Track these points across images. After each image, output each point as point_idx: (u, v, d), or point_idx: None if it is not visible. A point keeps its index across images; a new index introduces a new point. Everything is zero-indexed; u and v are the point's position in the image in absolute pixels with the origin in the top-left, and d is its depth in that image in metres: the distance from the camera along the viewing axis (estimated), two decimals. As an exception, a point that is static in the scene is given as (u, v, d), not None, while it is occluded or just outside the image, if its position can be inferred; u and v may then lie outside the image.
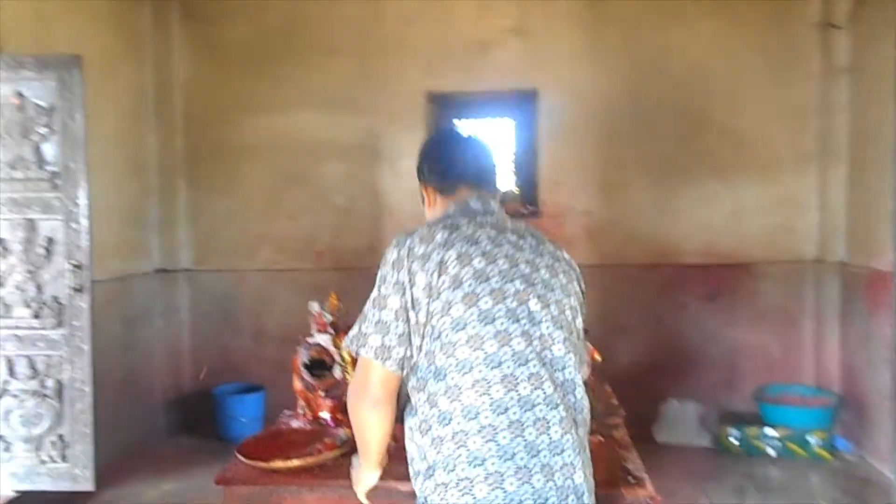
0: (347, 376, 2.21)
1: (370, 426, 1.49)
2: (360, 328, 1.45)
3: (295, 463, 1.87)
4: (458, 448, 1.31)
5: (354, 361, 2.24)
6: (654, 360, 4.40)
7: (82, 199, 3.08)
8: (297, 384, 2.28)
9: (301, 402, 2.31)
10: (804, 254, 4.30)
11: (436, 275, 1.37)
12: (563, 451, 1.34)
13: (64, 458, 3.13)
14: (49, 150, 3.09)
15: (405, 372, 1.43)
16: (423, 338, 1.38)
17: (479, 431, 1.30)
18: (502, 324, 1.36)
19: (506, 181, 4.71)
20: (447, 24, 4.44)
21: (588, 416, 1.49)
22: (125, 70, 4.26)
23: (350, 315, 2.49)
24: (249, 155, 4.58)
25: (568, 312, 1.48)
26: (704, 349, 4.37)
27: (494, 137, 4.80)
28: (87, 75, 3.11)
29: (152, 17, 4.47)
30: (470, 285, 1.37)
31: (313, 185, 4.55)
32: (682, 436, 4.24)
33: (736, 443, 4.01)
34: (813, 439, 3.89)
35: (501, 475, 1.28)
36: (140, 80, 4.40)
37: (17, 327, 3.07)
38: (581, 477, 1.35)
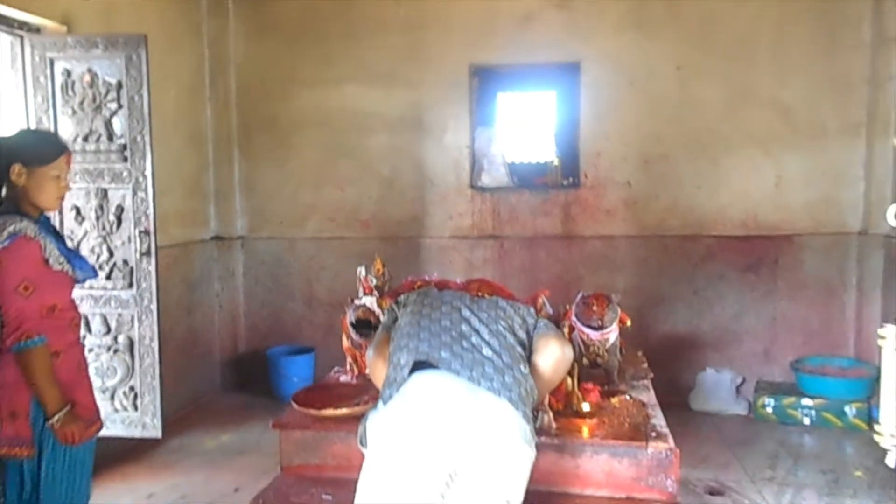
0: (391, 335, 2.39)
1: None
2: None
3: (343, 411, 2.06)
4: None
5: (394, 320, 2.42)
6: (692, 331, 4.47)
7: (148, 170, 3.31)
8: (346, 342, 2.48)
9: (349, 359, 2.51)
10: (848, 226, 4.28)
11: None
12: None
13: (135, 408, 3.42)
14: (118, 123, 3.32)
15: None
16: None
17: None
18: None
19: (548, 152, 4.79)
20: (491, -3, 4.51)
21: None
22: (184, 48, 4.48)
23: (393, 279, 2.67)
24: (299, 128, 4.78)
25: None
26: (743, 320, 4.42)
27: (537, 109, 4.88)
28: (150, 53, 3.32)
29: (209, -4, 4.67)
30: None
31: (360, 156, 4.72)
32: (718, 404, 4.33)
33: (771, 411, 4.08)
34: (850, 409, 3.93)
35: None
36: (198, 57, 4.62)
37: (92, 287, 3.35)
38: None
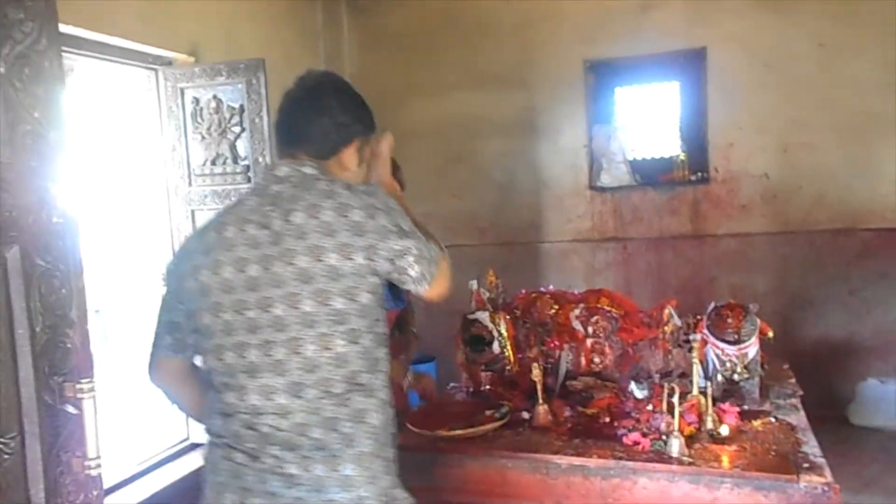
0: (506, 350, 2.29)
1: None
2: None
3: (457, 433, 1.98)
4: None
5: (513, 336, 2.33)
6: (848, 336, 4.00)
7: (270, 190, 3.43)
8: (460, 358, 2.41)
9: (464, 375, 2.44)
10: None
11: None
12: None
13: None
14: (241, 146, 3.47)
15: None
16: None
17: None
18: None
19: (672, 147, 4.50)
20: (604, -12, 4.29)
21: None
22: (302, 65, 4.56)
23: (508, 292, 2.57)
24: (414, 137, 4.79)
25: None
26: (910, 323, 3.90)
27: (659, 101, 4.59)
28: (269, 75, 3.44)
29: (324, 14, 4.80)
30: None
31: (474, 162, 4.66)
32: (884, 419, 3.84)
33: (950, 429, 3.56)
34: None
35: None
36: (315, 74, 4.77)
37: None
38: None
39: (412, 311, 2.43)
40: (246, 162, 3.46)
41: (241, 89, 3.43)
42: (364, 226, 1.25)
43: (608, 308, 2.30)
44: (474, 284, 2.41)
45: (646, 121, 4.63)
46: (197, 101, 3.51)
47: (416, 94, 4.75)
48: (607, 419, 2.04)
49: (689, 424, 1.96)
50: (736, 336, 2.08)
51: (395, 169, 2.18)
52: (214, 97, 3.48)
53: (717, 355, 2.14)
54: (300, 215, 1.26)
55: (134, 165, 3.58)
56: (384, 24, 4.80)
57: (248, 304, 1.25)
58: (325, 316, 1.23)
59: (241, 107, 3.45)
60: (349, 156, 1.49)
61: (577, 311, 2.34)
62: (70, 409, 0.94)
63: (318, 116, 1.45)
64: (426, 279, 1.35)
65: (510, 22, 4.48)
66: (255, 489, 1.21)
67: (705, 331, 2.14)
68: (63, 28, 2.87)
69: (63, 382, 0.94)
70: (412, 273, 1.32)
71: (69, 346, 0.95)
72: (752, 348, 2.13)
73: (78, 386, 0.94)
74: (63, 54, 2.55)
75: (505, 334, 2.27)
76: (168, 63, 3.57)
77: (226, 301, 1.26)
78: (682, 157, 4.34)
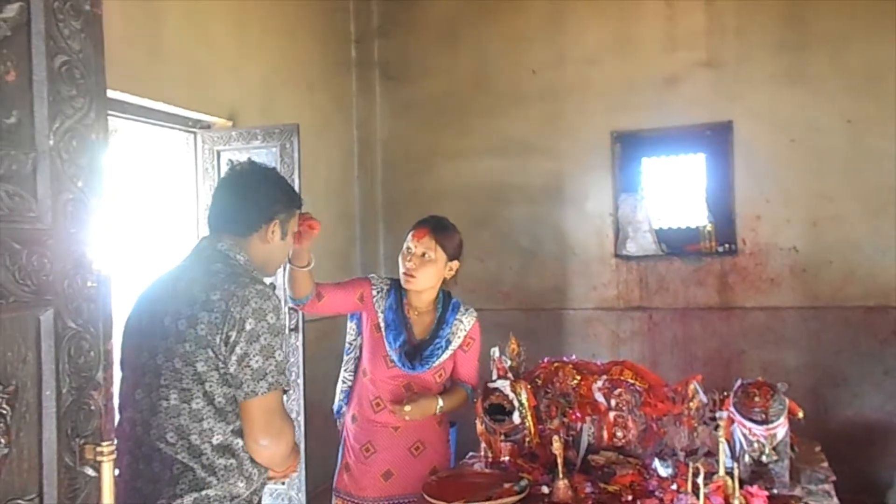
0: (527, 421, 2.26)
1: None
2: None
3: (474, 506, 1.94)
4: None
5: (534, 406, 2.29)
6: (885, 418, 3.86)
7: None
8: (479, 427, 2.37)
9: (483, 445, 2.40)
10: None
11: None
12: None
13: (282, 482, 3.51)
14: (273, 207, 3.56)
15: None
16: None
17: None
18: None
19: (698, 217, 4.49)
20: (632, 61, 4.40)
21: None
22: (335, 130, 4.79)
23: (530, 359, 2.55)
24: (440, 201, 4.86)
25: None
26: (950, 406, 3.75)
27: (685, 172, 4.62)
28: (303, 139, 3.55)
29: (357, 81, 4.99)
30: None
31: (499, 227, 4.70)
32: (924, 506, 3.66)
33: None
34: None
35: None
36: (347, 138, 4.91)
37: (246, 361, 3.54)
38: None
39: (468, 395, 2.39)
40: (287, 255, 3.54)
41: (275, 153, 3.55)
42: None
43: (631, 381, 2.27)
44: (496, 352, 2.39)
45: (672, 191, 4.65)
46: (231, 162, 3.63)
47: (443, 159, 4.85)
48: (630, 497, 1.98)
49: (715, 508, 1.89)
50: (764, 415, 2.02)
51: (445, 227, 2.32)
52: (249, 160, 3.59)
53: (745, 435, 2.07)
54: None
55: (170, 222, 3.69)
56: (414, 92, 4.95)
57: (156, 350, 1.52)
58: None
59: (275, 169, 3.55)
60: (270, 231, 1.69)
61: (599, 383, 2.30)
62: (89, 471, 0.95)
63: (240, 199, 1.67)
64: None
65: (537, 91, 4.59)
66: None
67: (732, 409, 2.08)
68: (110, 93, 3.03)
69: (84, 444, 0.95)
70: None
71: (93, 408, 0.97)
72: (780, 429, 2.07)
73: (98, 448, 0.95)
74: (108, 117, 2.67)
75: (526, 404, 2.24)
76: (207, 126, 3.71)
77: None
78: (709, 227, 4.33)
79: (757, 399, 2.04)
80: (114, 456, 0.96)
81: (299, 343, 3.47)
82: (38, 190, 0.91)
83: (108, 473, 0.95)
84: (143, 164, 3.73)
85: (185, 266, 1.65)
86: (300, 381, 3.47)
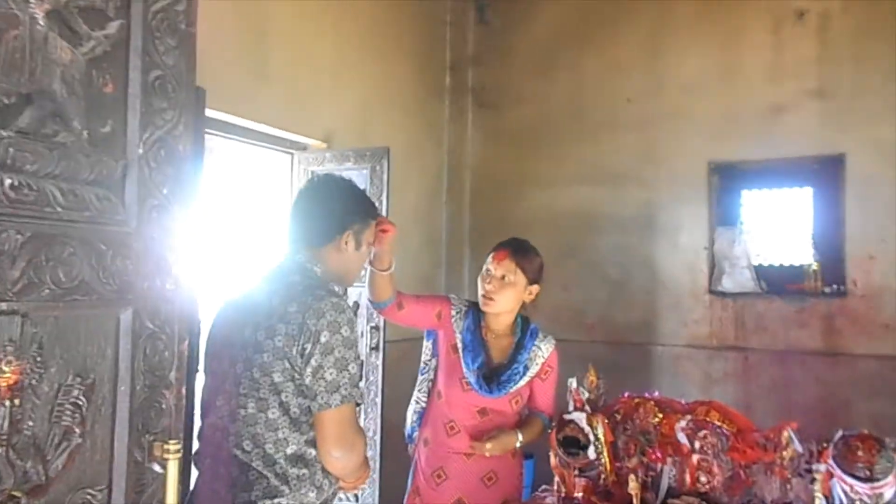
0: (602, 457, 2.16)
1: None
2: None
3: (541, 541, 1.87)
4: None
5: (611, 442, 2.20)
6: None
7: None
8: (553, 460, 2.30)
9: (556, 479, 2.32)
10: None
11: None
12: None
13: (356, 499, 3.53)
14: (361, 227, 3.65)
15: None
16: None
17: None
18: None
19: (803, 255, 4.21)
20: (734, 90, 4.22)
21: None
22: (426, 155, 4.87)
23: (611, 395, 2.45)
24: (527, 228, 4.77)
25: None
26: None
27: (790, 207, 4.35)
28: (394, 161, 3.63)
29: (450, 107, 5.06)
30: None
31: (587, 257, 4.59)
32: None
33: None
34: None
35: None
36: (438, 163, 4.98)
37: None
38: None
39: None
40: (370, 257, 3.62)
41: (366, 174, 3.64)
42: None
43: (718, 423, 2.13)
44: (573, 383, 2.32)
45: (774, 226, 4.39)
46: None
47: (533, 187, 4.81)
48: (711, 548, 1.85)
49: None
50: (868, 472, 1.84)
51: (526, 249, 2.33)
52: (326, 173, 3.70)
53: (846, 492, 1.89)
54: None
55: (265, 239, 3.85)
56: (507, 119, 4.96)
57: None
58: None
59: (365, 190, 3.64)
60: (344, 242, 1.72)
61: (683, 423, 2.17)
62: (157, 468, 0.99)
63: (314, 210, 1.74)
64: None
65: (633, 119, 4.49)
66: None
67: (831, 461, 1.91)
68: (217, 114, 3.22)
69: (153, 441, 0.99)
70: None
71: (164, 406, 1.01)
72: (888, 489, 1.87)
73: (165, 446, 0.98)
74: (208, 135, 2.81)
75: (602, 439, 2.15)
76: (303, 148, 3.86)
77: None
78: (815, 266, 4.05)
79: (860, 453, 1.86)
80: (179, 454, 0.99)
81: (379, 362, 3.51)
82: (126, 195, 0.96)
83: (174, 471, 0.98)
84: (243, 182, 3.93)
85: (266, 278, 1.70)
86: (378, 399, 3.49)
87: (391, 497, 4.06)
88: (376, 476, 3.49)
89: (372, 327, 3.52)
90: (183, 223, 1.05)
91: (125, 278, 0.96)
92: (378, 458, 3.48)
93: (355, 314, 3.58)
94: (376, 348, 3.52)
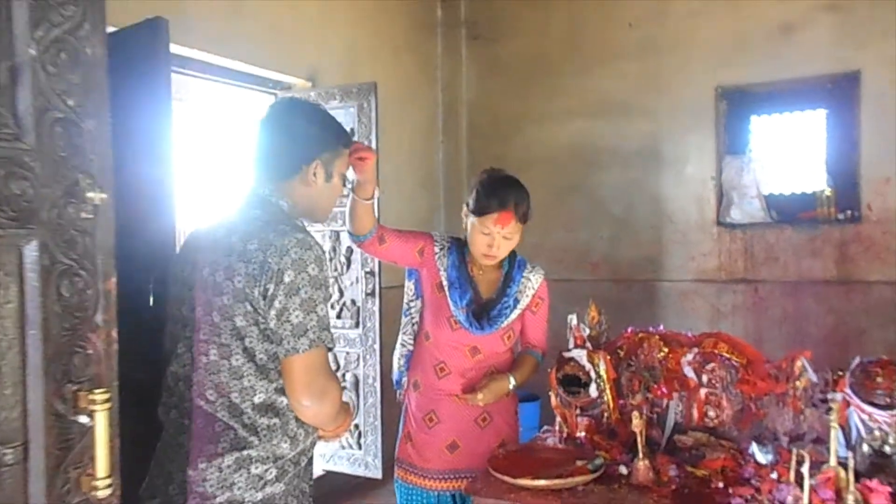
0: (605, 395, 2.05)
1: None
2: None
3: (541, 483, 1.77)
4: None
5: (614, 379, 2.08)
6: None
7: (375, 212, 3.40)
8: (554, 400, 2.19)
9: (558, 419, 2.22)
10: None
11: None
12: None
13: (359, 447, 3.48)
14: (350, 170, 3.48)
15: None
16: None
17: None
18: None
19: (816, 181, 4.02)
20: (741, 9, 3.96)
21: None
22: (420, 93, 4.65)
23: (614, 331, 2.32)
24: (527, 166, 4.62)
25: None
26: None
27: (802, 131, 4.14)
28: (383, 100, 3.44)
29: (443, 42, 4.82)
30: None
31: (590, 194, 4.42)
32: None
33: None
34: None
35: None
36: (432, 101, 4.77)
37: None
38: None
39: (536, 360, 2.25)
40: (353, 185, 3.46)
41: (353, 113, 3.46)
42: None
43: (727, 355, 2.00)
44: (573, 319, 2.19)
45: (785, 152, 4.19)
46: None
47: (532, 122, 4.61)
48: (720, 484, 1.75)
49: (824, 502, 1.62)
50: (888, 399, 1.72)
51: (523, 199, 2.06)
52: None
53: (864, 421, 1.78)
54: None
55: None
56: (502, 53, 4.72)
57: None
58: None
59: (352, 130, 3.46)
60: (312, 173, 1.55)
61: (689, 357, 2.05)
62: (84, 419, 0.87)
63: (277, 138, 1.55)
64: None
65: (634, 46, 4.25)
66: None
67: (848, 390, 1.79)
68: (189, 52, 3.03)
69: (77, 391, 0.86)
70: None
71: (90, 352, 0.88)
72: (908, 416, 1.75)
73: (91, 396, 0.86)
74: (176, 76, 2.60)
75: (604, 376, 2.03)
76: (287, 88, 3.67)
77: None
78: (828, 192, 3.86)
79: (880, 380, 1.74)
80: (108, 405, 0.87)
81: (375, 308, 3.40)
82: (19, 105, 0.81)
83: (103, 423, 0.86)
84: (221, 129, 3.75)
85: (228, 214, 1.56)
86: (377, 346, 3.40)
87: (395, 444, 4.01)
88: (378, 424, 3.42)
89: (367, 272, 3.40)
90: (99, 141, 0.90)
91: (24, 204, 0.82)
92: (379, 405, 3.40)
93: (348, 258, 3.46)
94: (372, 294, 3.40)
